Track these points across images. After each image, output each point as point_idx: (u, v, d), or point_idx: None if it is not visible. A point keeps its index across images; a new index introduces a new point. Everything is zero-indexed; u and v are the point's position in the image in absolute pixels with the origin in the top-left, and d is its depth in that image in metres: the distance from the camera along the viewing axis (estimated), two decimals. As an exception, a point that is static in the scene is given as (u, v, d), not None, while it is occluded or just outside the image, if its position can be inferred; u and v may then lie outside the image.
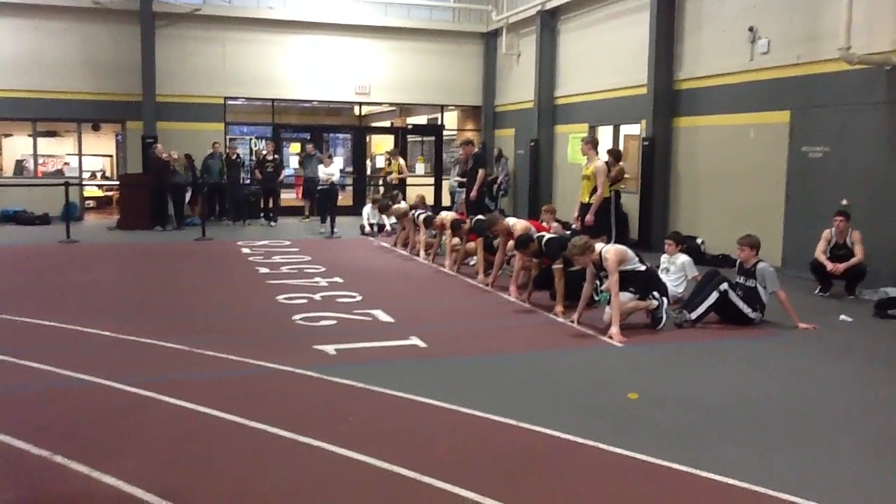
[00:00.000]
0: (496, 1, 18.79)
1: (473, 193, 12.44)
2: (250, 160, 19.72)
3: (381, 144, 23.14)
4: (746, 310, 7.28)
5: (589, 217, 9.77)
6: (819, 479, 3.89)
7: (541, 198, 16.40)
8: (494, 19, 18.71)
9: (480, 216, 10.23)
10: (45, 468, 3.83)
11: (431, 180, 19.73)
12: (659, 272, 8.15)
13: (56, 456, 3.93)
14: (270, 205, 16.97)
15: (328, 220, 14.83)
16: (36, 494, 3.60)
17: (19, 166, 18.91)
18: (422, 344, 6.45)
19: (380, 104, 20.72)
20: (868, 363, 6.26)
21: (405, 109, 22.41)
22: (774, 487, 3.69)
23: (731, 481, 3.77)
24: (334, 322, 7.23)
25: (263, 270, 10.29)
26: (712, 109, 11.98)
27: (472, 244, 10.19)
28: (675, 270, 8.43)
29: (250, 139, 23.12)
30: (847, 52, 9.04)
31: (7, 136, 19.75)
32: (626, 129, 14.64)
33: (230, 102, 18.32)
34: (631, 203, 13.23)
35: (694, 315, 7.23)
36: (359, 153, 20.43)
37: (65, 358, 5.76)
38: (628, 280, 7.09)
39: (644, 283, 7.23)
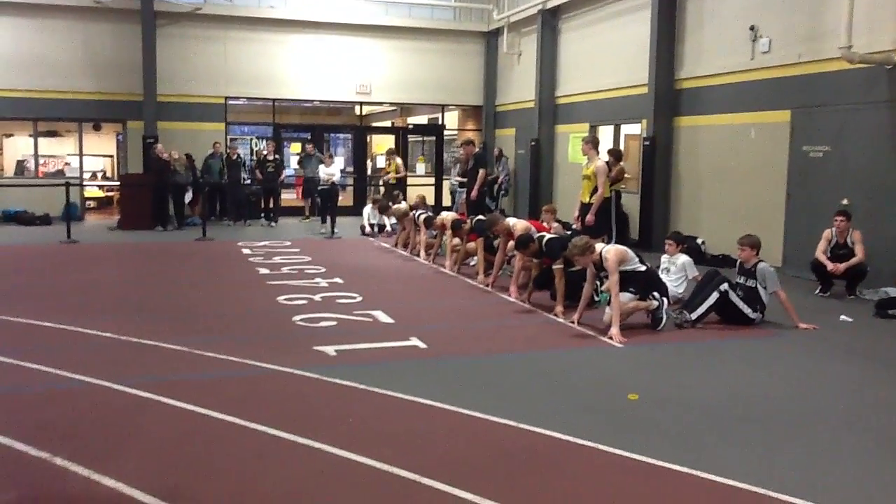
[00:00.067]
0: (497, 0, 18.79)
1: (474, 193, 12.45)
2: (251, 160, 19.72)
3: (381, 144, 23.12)
4: (747, 310, 7.27)
5: (589, 217, 9.76)
6: (819, 479, 3.89)
7: (541, 198, 16.40)
8: (495, 18, 18.71)
9: (481, 216, 10.24)
10: (44, 469, 3.83)
11: (432, 180, 19.74)
12: (659, 272, 8.15)
13: (56, 457, 3.93)
14: (271, 205, 16.97)
15: (328, 220, 14.83)
16: (36, 495, 3.60)
17: (20, 166, 18.92)
18: (422, 345, 6.45)
19: (381, 104, 20.72)
20: (869, 363, 6.26)
21: (406, 109, 22.41)
22: (774, 488, 3.69)
23: (731, 482, 3.77)
24: (335, 323, 7.23)
25: (264, 271, 10.29)
26: (713, 109, 11.98)
27: (472, 244, 10.18)
28: (676, 271, 8.42)
29: (251, 139, 23.12)
30: (848, 51, 9.03)
31: (8, 136, 19.76)
32: (626, 129, 14.64)
33: (231, 102, 18.32)
34: (631, 203, 13.23)
35: (694, 315, 7.22)
36: (359, 153, 20.43)
37: (65, 359, 5.77)
38: (628, 280, 7.09)
39: (644, 283, 7.22)
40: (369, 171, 20.94)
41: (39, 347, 6.20)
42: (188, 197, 16.39)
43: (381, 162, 20.00)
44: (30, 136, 17.76)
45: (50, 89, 16.57)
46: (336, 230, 14.52)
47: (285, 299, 8.29)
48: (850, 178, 9.53)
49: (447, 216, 11.19)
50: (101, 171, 21.16)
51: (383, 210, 13.93)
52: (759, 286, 7.31)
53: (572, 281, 7.70)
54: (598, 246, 7.23)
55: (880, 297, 8.15)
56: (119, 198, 17.53)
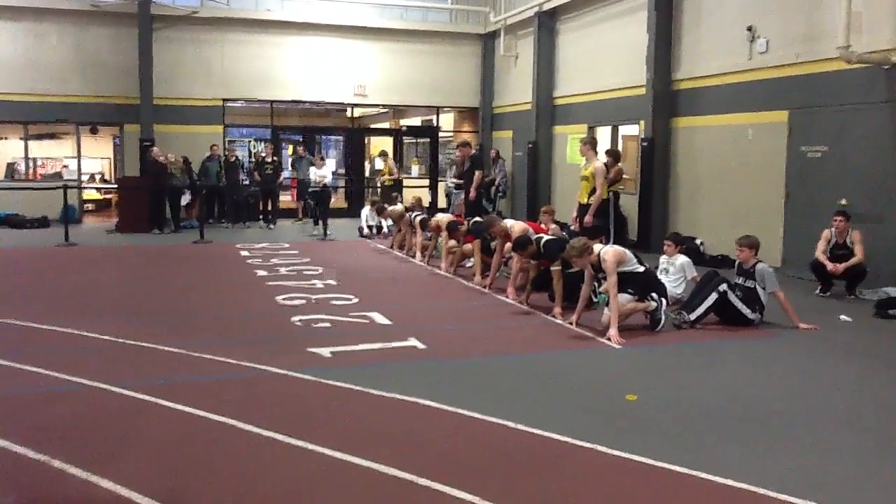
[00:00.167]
0: (494, 2, 18.79)
1: (472, 195, 12.43)
2: (249, 162, 19.70)
3: (378, 146, 23.08)
4: (745, 311, 7.26)
5: (587, 218, 9.75)
6: (819, 479, 3.88)
7: (539, 199, 16.41)
8: (492, 21, 18.71)
9: (478, 218, 10.22)
10: (43, 472, 3.81)
11: (427, 182, 19.72)
12: (658, 273, 8.14)
13: (54, 460, 3.92)
14: (269, 207, 16.96)
15: (321, 222, 14.82)
16: (34, 498, 3.58)
17: (10, 169, 18.80)
18: (419, 346, 6.44)
19: (377, 106, 20.71)
20: (868, 363, 6.25)
21: (398, 111, 22.36)
22: (774, 488, 3.68)
23: (731, 482, 3.76)
24: (329, 325, 7.21)
25: (261, 273, 10.27)
26: (711, 109, 11.98)
27: (468, 246, 10.17)
28: (675, 271, 8.42)
29: (249, 141, 23.09)
30: (846, 51, 9.03)
31: (2, 138, 19.70)
32: (624, 130, 14.63)
33: (228, 105, 18.30)
34: (630, 204, 13.23)
35: (693, 316, 7.22)
36: (354, 155, 20.39)
37: (63, 361, 5.75)
38: (627, 281, 7.07)
39: (643, 284, 7.21)
40: (367, 173, 20.92)
41: (38, 350, 6.18)
42: (185, 200, 16.36)
43: (378, 164, 19.97)
44: (21, 139, 17.67)
45: (46, 93, 16.55)
46: (329, 232, 14.51)
47: (283, 300, 8.28)
48: (848, 178, 9.54)
49: (443, 218, 11.18)
50: (100, 173, 21.13)
51: (379, 212, 13.94)
52: (757, 287, 7.30)
53: (570, 282, 7.68)
54: (597, 247, 7.22)
55: (880, 297, 8.16)
56: (117, 200, 17.51)
